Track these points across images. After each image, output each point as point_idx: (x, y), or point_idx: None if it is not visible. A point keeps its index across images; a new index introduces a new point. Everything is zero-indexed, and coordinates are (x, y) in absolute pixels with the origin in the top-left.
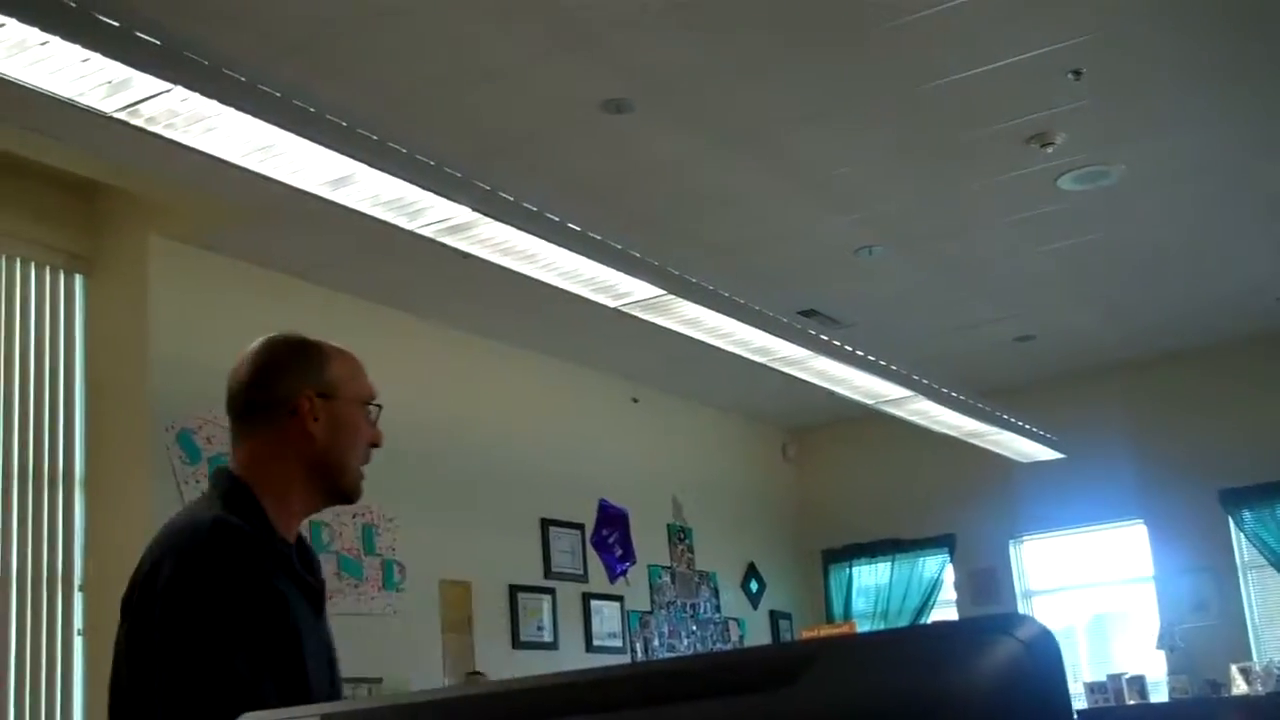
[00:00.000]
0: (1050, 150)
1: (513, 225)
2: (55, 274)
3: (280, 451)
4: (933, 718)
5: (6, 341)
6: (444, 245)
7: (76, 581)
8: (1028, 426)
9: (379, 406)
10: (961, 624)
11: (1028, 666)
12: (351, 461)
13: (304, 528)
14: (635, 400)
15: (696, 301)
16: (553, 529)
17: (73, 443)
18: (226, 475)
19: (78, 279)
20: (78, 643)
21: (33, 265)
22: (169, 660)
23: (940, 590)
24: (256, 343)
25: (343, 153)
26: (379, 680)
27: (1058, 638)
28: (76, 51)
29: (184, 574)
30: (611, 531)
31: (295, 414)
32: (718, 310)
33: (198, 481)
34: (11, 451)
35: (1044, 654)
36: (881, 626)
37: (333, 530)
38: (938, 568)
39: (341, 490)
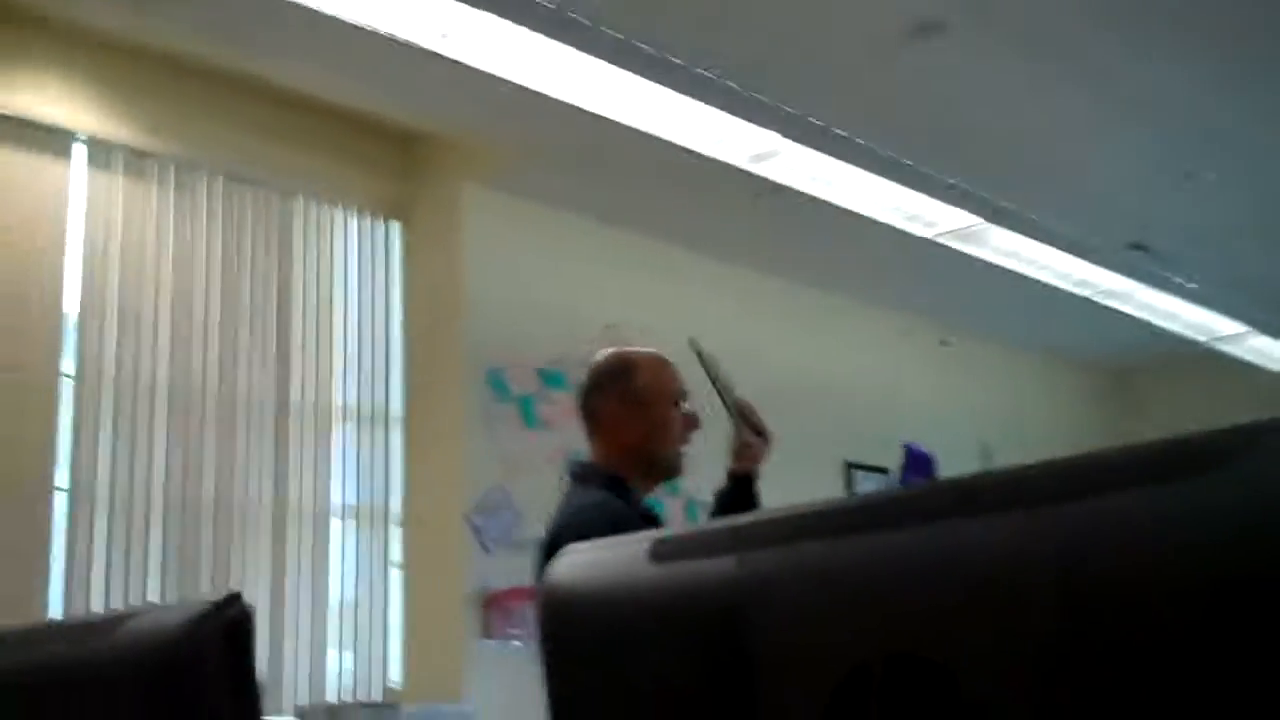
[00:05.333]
0: None
1: (820, 150)
2: (375, 221)
3: (607, 450)
4: None
5: (331, 287)
6: (751, 175)
7: (395, 517)
8: None
9: (685, 397)
10: None
11: None
12: (664, 450)
13: None
14: (944, 343)
15: (1012, 229)
16: (857, 473)
17: (392, 384)
18: (592, 466)
19: (395, 226)
20: (395, 575)
21: (354, 213)
22: None
23: None
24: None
25: (648, 78)
26: None
27: None
28: None
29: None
30: (918, 476)
31: (608, 422)
32: (1035, 239)
33: (507, 420)
34: (335, 392)
35: None
36: None
37: None
38: None
39: (659, 473)
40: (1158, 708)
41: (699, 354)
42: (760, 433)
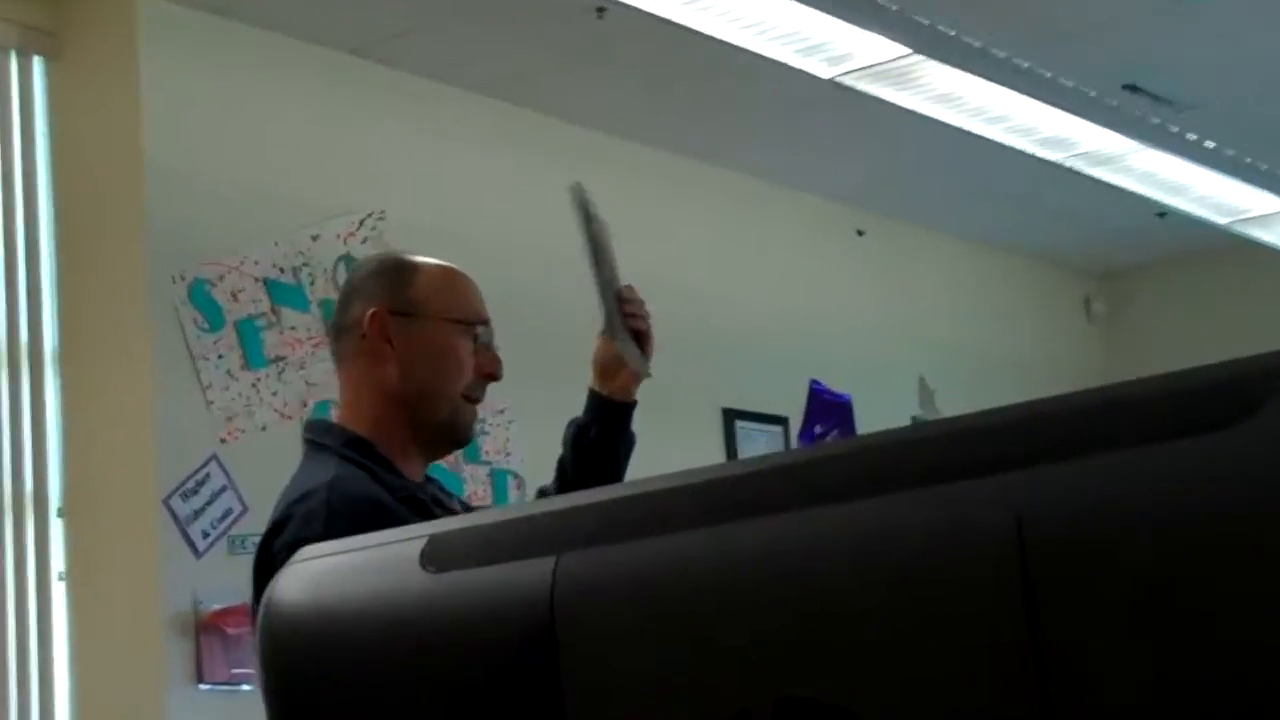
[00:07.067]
0: None
1: None
2: (5, 55)
3: (357, 396)
4: None
5: None
6: None
7: (54, 504)
8: None
9: (485, 325)
10: None
11: None
12: (445, 391)
13: None
14: (861, 233)
15: (955, 65)
16: (741, 424)
17: (42, 304)
18: (331, 425)
19: (38, 62)
20: (59, 589)
21: None
22: None
23: None
24: None
25: None
26: None
27: None
28: None
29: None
30: (828, 428)
31: (365, 336)
32: (987, 78)
33: (220, 357)
34: None
35: None
36: None
37: None
38: None
39: (437, 426)
40: None
41: (581, 205)
42: (643, 344)
